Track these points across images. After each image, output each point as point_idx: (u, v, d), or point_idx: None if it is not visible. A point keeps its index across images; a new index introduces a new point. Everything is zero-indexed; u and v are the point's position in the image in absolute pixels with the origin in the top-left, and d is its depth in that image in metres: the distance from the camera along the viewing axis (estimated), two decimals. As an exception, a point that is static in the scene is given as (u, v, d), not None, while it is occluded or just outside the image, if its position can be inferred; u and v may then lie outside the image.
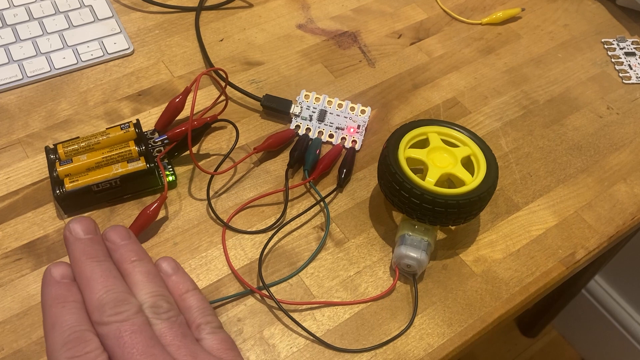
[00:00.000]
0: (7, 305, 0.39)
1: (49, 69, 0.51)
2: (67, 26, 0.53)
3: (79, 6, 0.55)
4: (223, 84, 0.51)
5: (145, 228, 0.42)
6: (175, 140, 0.46)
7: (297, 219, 0.44)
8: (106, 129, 0.45)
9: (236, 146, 0.48)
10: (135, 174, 0.43)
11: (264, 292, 0.40)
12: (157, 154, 0.46)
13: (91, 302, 0.30)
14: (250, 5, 0.59)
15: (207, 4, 0.59)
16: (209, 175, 0.46)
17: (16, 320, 0.38)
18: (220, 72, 0.48)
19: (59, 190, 0.42)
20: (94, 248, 0.32)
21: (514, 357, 1.24)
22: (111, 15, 0.55)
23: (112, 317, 0.29)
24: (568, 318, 1.21)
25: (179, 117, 0.48)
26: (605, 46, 0.60)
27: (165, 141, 0.46)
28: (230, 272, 0.42)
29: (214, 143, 0.49)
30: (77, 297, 0.30)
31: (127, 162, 0.43)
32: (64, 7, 0.55)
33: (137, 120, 0.46)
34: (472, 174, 0.42)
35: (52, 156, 0.43)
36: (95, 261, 0.31)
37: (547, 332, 1.27)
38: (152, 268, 0.33)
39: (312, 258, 0.43)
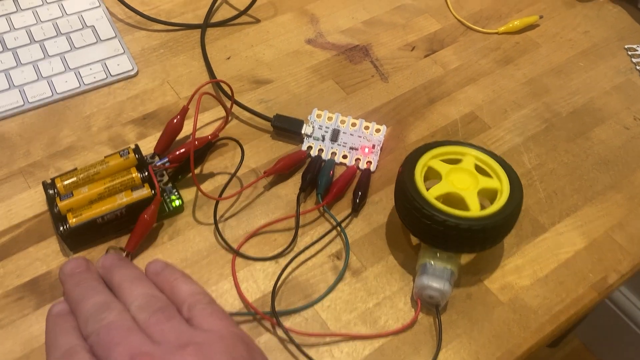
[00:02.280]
0: (9, 348, 0.37)
1: (51, 94, 0.49)
2: (69, 48, 0.52)
3: (81, 27, 0.53)
4: (227, 100, 0.49)
5: (144, 235, 0.41)
6: (178, 163, 0.44)
7: (311, 247, 0.42)
8: (105, 157, 0.43)
9: (247, 170, 0.46)
10: (141, 201, 0.41)
11: (275, 320, 0.38)
12: (160, 179, 0.44)
13: (80, 320, 0.31)
14: (258, 21, 0.57)
15: (213, 20, 0.57)
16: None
17: (18, 364, 0.37)
18: (223, 84, 0.46)
19: (63, 227, 0.40)
20: (83, 277, 0.33)
21: (535, 368, 1.20)
22: (114, 35, 0.53)
23: (94, 324, 0.30)
24: (591, 326, 1.18)
25: (180, 137, 0.46)
26: (629, 52, 0.57)
27: (166, 164, 0.44)
28: (242, 306, 0.40)
29: (221, 162, 0.47)
30: (71, 324, 0.31)
31: (131, 191, 0.41)
32: (66, 29, 0.53)
33: (136, 145, 0.44)
34: (488, 206, 0.40)
35: (51, 191, 0.41)
36: (83, 286, 0.33)
37: (569, 340, 1.24)
38: (140, 274, 0.34)
39: (329, 291, 0.40)
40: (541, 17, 0.59)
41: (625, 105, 0.53)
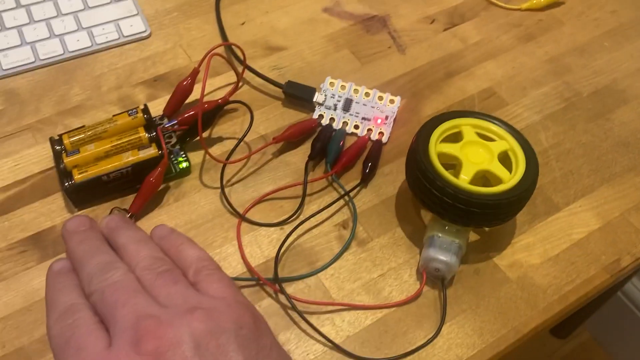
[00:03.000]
0: (10, 300, 0.37)
1: (62, 52, 0.48)
2: (83, 7, 0.51)
3: (96, -14, 0.53)
4: (239, 65, 0.48)
5: (150, 197, 0.40)
6: (186, 125, 0.43)
7: (317, 215, 0.41)
8: (113, 116, 0.43)
9: (256, 136, 0.46)
10: (147, 161, 0.41)
11: (277, 286, 0.37)
12: (168, 141, 0.43)
13: (83, 279, 0.30)
14: (275, -13, 0.56)
15: (229, -15, 0.56)
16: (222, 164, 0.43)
17: (19, 316, 0.37)
18: (236, 48, 0.45)
19: (68, 183, 0.39)
20: (86, 235, 0.33)
21: (542, 358, 1.19)
22: (129, -4, 0.52)
23: (99, 284, 0.29)
24: (602, 320, 1.16)
25: (190, 100, 0.45)
26: (657, 34, 0.55)
27: (175, 126, 0.43)
28: (245, 270, 0.39)
29: (230, 127, 0.46)
30: (72, 281, 0.31)
31: (138, 150, 0.41)
32: (80, -12, 0.52)
33: (145, 105, 0.43)
34: (510, 171, 0.39)
35: (57, 147, 0.41)
36: (86, 244, 0.32)
37: (578, 333, 1.22)
38: (145, 236, 0.33)
39: (335, 259, 0.40)
40: (567, -6, 0.57)
41: (649, 87, 0.51)
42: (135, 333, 0.26)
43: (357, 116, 0.47)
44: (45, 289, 0.31)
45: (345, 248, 0.40)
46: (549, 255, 0.41)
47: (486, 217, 0.37)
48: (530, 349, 1.18)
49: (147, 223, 0.41)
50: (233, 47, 0.48)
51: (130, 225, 0.34)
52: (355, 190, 0.43)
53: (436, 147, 0.39)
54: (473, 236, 0.41)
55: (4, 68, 0.47)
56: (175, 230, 0.35)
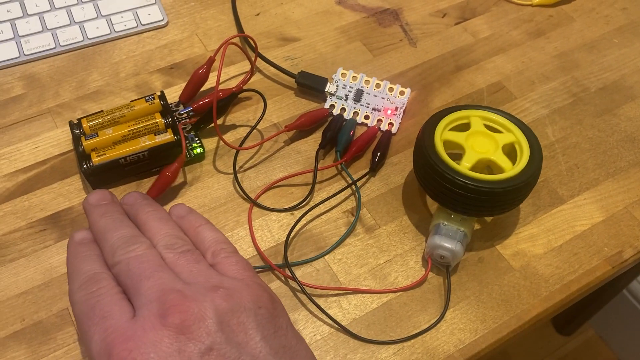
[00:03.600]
0: (30, 276, 0.39)
1: (82, 39, 0.50)
2: (102, -5, 0.52)
3: (115, -25, 0.54)
4: (252, 54, 0.49)
5: (164, 190, 0.41)
6: (201, 112, 0.45)
7: (326, 202, 0.43)
8: (130, 101, 0.44)
9: (269, 124, 0.47)
10: (163, 146, 0.42)
11: (287, 271, 0.39)
12: (183, 127, 0.44)
13: (105, 250, 0.31)
14: (289, -21, 0.57)
15: (245, -24, 0.57)
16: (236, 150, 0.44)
17: (38, 291, 0.38)
18: (249, 39, 0.46)
19: (86, 165, 0.41)
20: (108, 209, 0.34)
21: (546, 355, 1.20)
22: (147, -15, 0.54)
23: (123, 255, 0.30)
24: (606, 318, 1.17)
25: (204, 88, 0.47)
26: (667, 32, 0.56)
27: (190, 113, 0.45)
28: (255, 253, 0.40)
29: (243, 115, 0.47)
30: (95, 252, 0.32)
31: (155, 135, 0.42)
32: (100, -24, 0.53)
33: (162, 92, 0.44)
34: (515, 163, 0.39)
35: (76, 131, 0.42)
36: (109, 217, 0.33)
37: (583, 330, 1.23)
38: (166, 215, 0.34)
39: (339, 242, 0.41)
40: (578, -9, 0.57)
41: (657, 84, 0.52)
42: (161, 306, 0.27)
43: (367, 107, 0.48)
44: (66, 258, 0.32)
45: (350, 230, 0.41)
46: (552, 246, 0.42)
47: (485, 205, 0.38)
48: (535, 345, 1.19)
49: (163, 205, 0.42)
50: (246, 37, 0.49)
51: (150, 202, 0.35)
52: (363, 179, 0.44)
53: (443, 135, 0.40)
54: (478, 225, 0.42)
55: (25, 53, 0.49)
56: (193, 210, 0.36)
